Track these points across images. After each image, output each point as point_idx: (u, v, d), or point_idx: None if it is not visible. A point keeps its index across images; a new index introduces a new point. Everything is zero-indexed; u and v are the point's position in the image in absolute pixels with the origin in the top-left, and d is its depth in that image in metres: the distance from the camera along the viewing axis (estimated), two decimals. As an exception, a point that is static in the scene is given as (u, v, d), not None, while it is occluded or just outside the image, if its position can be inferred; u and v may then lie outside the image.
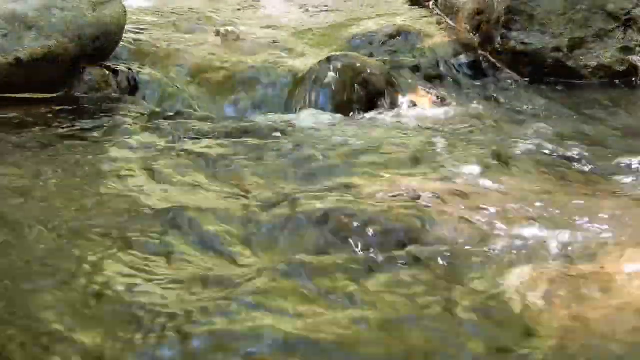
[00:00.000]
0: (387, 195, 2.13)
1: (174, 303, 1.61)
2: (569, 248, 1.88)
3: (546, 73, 3.26)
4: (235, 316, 1.56)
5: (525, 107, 3.03)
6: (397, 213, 2.01)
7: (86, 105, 2.82)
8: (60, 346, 1.46)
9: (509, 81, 3.25)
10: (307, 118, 2.88)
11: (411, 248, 1.87)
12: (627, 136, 2.76)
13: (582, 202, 2.17)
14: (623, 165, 2.46)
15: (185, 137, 2.58)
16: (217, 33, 3.40)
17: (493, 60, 3.34)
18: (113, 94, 2.91)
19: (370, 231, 1.92)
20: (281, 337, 1.49)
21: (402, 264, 1.80)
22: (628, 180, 2.37)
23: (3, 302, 1.59)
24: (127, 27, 3.14)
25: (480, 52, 3.38)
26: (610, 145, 2.65)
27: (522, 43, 3.27)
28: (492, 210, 2.07)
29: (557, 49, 3.25)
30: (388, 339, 1.51)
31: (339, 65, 3.04)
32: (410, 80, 3.17)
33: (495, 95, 3.13)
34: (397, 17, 3.74)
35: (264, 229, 1.96)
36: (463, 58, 3.34)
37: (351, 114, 2.93)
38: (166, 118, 2.75)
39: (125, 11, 3.08)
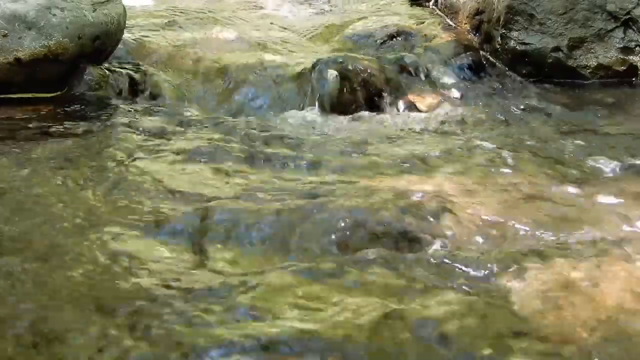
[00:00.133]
0: (386, 195, 2.13)
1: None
2: (569, 248, 1.88)
3: (546, 73, 3.26)
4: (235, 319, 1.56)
5: (525, 107, 3.03)
6: (397, 213, 2.01)
7: (86, 105, 2.82)
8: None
9: (509, 81, 3.25)
10: (307, 118, 2.89)
11: (411, 248, 1.87)
12: (628, 136, 2.76)
13: (582, 202, 2.17)
14: (623, 165, 2.46)
15: (185, 137, 2.58)
16: (217, 33, 3.41)
17: (493, 60, 3.34)
18: (113, 94, 2.91)
19: (370, 231, 1.92)
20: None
21: (401, 263, 1.80)
22: (628, 180, 2.38)
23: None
24: (127, 27, 3.14)
25: (480, 52, 3.39)
26: (610, 145, 2.64)
27: (522, 43, 3.27)
28: (492, 210, 2.07)
29: (557, 49, 3.25)
30: (379, 339, 1.51)
31: (338, 65, 3.04)
32: (410, 81, 3.16)
33: (495, 95, 3.13)
34: (397, 17, 3.74)
35: (263, 228, 1.96)
36: (463, 58, 3.34)
37: (351, 113, 2.93)
38: (166, 118, 2.75)
39: (125, 11, 3.09)
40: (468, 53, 3.37)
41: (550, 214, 2.08)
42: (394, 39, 3.47)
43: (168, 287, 1.68)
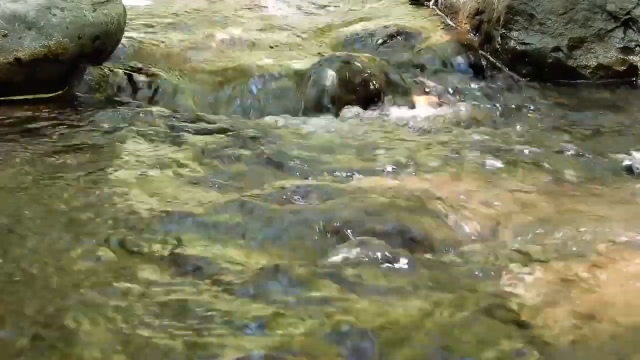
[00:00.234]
0: (386, 195, 2.13)
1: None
2: (569, 248, 1.88)
3: (546, 73, 3.26)
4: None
5: (525, 107, 3.03)
6: (396, 212, 2.01)
7: (86, 105, 2.82)
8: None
9: (509, 81, 3.24)
10: (307, 118, 2.89)
11: (410, 247, 1.87)
12: (628, 136, 2.76)
13: (581, 201, 2.17)
14: (623, 165, 2.46)
15: (185, 137, 2.58)
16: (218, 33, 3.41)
17: (493, 60, 3.34)
18: (113, 94, 2.91)
19: (369, 230, 1.92)
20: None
21: (400, 263, 1.80)
22: (628, 179, 2.38)
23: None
24: (127, 27, 3.14)
25: (480, 52, 3.39)
26: (610, 145, 2.65)
27: (522, 43, 3.27)
28: (492, 210, 2.08)
29: (557, 49, 3.25)
30: (379, 339, 1.51)
31: (338, 65, 3.04)
32: (410, 80, 3.16)
33: (495, 95, 3.13)
34: (397, 16, 3.74)
35: (262, 227, 1.97)
36: (463, 58, 3.34)
37: (351, 113, 2.93)
38: (166, 118, 2.75)
39: (125, 11, 3.09)
40: (468, 53, 3.37)
41: (550, 214, 2.08)
42: (394, 39, 3.47)
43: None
